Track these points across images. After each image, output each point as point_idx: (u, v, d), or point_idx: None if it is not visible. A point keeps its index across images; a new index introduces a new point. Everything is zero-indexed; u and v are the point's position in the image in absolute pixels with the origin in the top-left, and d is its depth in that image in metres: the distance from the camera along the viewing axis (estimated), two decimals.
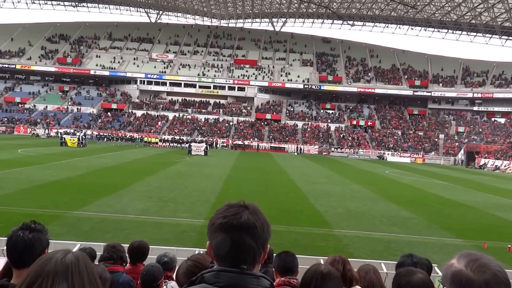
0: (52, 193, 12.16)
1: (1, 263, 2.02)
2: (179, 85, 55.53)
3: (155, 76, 55.65)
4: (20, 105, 51.45)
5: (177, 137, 44.51)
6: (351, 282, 2.37)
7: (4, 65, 55.04)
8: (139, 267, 3.06)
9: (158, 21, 69.99)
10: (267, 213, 1.16)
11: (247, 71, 57.59)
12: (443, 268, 1.08)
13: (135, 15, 70.16)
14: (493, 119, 53.46)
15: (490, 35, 56.41)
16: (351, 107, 56.55)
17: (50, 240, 1.64)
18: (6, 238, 1.63)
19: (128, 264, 3.17)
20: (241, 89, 55.69)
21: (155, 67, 57.20)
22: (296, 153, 43.68)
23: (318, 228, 10.05)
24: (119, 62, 58.03)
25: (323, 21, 66.27)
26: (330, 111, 55.83)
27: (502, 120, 52.20)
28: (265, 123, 51.89)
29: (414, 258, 2.50)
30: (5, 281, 1.55)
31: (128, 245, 3.33)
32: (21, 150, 24.94)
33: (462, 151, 45.84)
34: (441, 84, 56.15)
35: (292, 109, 55.40)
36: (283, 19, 68.18)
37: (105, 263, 2.93)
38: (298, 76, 57.03)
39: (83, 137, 34.16)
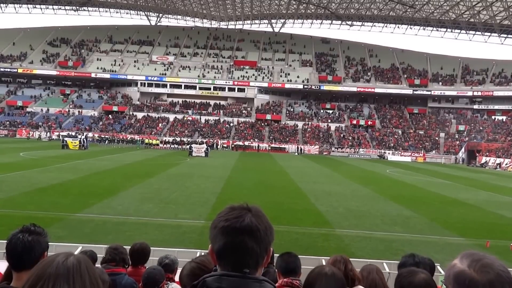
0: (54, 195, 12.16)
1: (3, 266, 2.02)
2: (179, 87, 55.64)
3: (155, 78, 55.76)
4: (22, 109, 51.66)
5: (178, 139, 44.55)
6: (353, 282, 2.36)
7: (6, 69, 55.28)
8: (141, 270, 3.06)
9: (158, 23, 70.16)
10: (268, 213, 1.15)
11: (247, 72, 57.64)
12: (445, 269, 1.07)
13: (135, 18, 70.40)
14: (493, 117, 53.39)
15: (489, 34, 56.39)
16: (351, 107, 56.54)
17: (51, 243, 1.64)
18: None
19: (129, 267, 3.17)
20: (241, 90, 55.74)
21: (155, 69, 57.31)
22: (296, 153, 43.67)
23: (319, 228, 10.03)
24: (119, 65, 58.16)
25: (322, 22, 66.33)
26: (330, 111, 55.85)
27: (503, 118, 52.12)
28: (265, 123, 51.92)
29: (416, 258, 2.48)
30: (5, 284, 1.55)
31: (130, 247, 3.33)
32: (23, 153, 24.99)
33: (463, 150, 45.78)
34: (440, 83, 56.14)
35: (292, 110, 55.42)
36: (282, 20, 68.27)
37: (107, 265, 2.93)
38: (298, 77, 57.06)
39: (84, 139, 34.21)
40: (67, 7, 65.89)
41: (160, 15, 69.70)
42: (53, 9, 66.17)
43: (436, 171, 30.67)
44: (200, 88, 55.57)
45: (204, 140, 44.03)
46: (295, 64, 60.43)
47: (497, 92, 52.30)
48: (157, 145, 42.41)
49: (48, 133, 45.16)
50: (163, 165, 23.08)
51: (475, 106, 54.42)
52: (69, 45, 62.23)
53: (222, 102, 55.72)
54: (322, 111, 55.76)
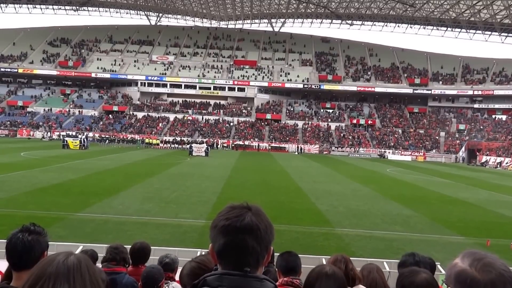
0: (54, 195, 12.17)
1: (3, 266, 2.02)
2: (179, 86, 55.65)
3: (155, 78, 55.76)
4: (22, 109, 51.71)
5: (178, 138, 44.57)
6: (354, 281, 2.36)
7: (6, 69, 55.35)
8: (141, 269, 3.06)
9: (158, 23, 70.14)
10: (268, 212, 1.15)
11: (246, 72, 57.63)
12: (446, 268, 1.07)
13: (135, 18, 70.39)
14: (494, 116, 53.34)
15: (489, 32, 56.31)
16: (351, 106, 56.51)
17: (52, 242, 1.64)
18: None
19: (130, 266, 3.17)
20: (241, 89, 55.74)
21: (155, 69, 57.30)
22: (296, 153, 43.67)
23: (320, 227, 10.03)
24: (120, 64, 58.16)
25: (321, 21, 66.28)
26: (330, 110, 55.83)
27: (503, 117, 52.06)
28: (266, 123, 51.92)
29: (416, 257, 2.48)
30: (5, 283, 1.55)
31: (130, 246, 3.34)
32: (24, 153, 25.00)
33: (463, 149, 45.75)
34: (441, 82, 56.08)
35: (292, 109, 55.41)
36: (282, 20, 68.22)
37: (107, 264, 2.93)
38: (298, 76, 57.04)
39: (85, 139, 34.23)
40: (67, 7, 65.88)
41: (160, 14, 69.66)
42: (53, 9, 66.18)
43: (436, 170, 30.66)
44: (200, 88, 55.56)
45: (204, 140, 44.04)
46: (295, 64, 60.39)
47: (498, 91, 52.24)
48: (157, 144, 42.42)
49: (49, 133, 45.20)
50: (163, 165, 23.09)
51: (476, 105, 54.37)
52: (69, 45, 62.24)
53: (222, 102, 55.72)
54: (322, 110, 55.73)
